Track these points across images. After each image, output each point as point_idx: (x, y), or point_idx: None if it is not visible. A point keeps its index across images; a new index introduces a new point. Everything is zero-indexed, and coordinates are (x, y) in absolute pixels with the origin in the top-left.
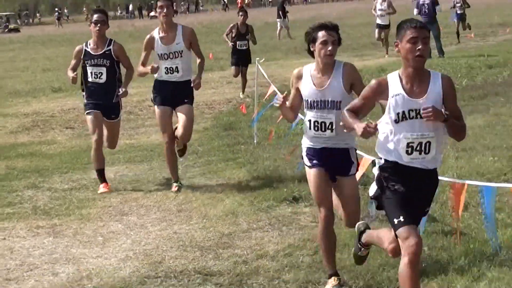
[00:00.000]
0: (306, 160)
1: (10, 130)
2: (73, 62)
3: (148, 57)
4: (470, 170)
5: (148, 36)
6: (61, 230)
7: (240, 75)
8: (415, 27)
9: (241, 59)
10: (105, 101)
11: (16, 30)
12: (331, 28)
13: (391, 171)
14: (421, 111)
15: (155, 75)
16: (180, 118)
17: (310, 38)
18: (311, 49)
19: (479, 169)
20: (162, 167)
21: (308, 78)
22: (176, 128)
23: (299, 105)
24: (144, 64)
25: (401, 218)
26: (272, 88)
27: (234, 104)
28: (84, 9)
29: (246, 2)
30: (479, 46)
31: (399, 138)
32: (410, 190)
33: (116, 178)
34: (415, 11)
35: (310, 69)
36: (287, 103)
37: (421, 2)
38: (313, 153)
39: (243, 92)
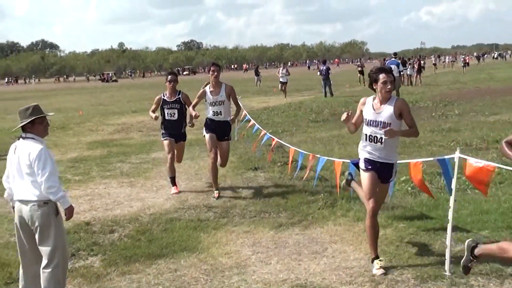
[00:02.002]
0: (362, 165)
1: (109, 132)
2: (154, 106)
3: (199, 102)
4: (345, 154)
5: (202, 90)
6: (134, 184)
7: None
8: None
9: None
10: (176, 131)
11: (115, 81)
12: (389, 72)
13: None
14: None
15: (207, 115)
16: (220, 150)
17: (373, 79)
18: (374, 87)
19: (350, 154)
20: (187, 154)
21: (370, 104)
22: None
23: (360, 123)
24: (194, 106)
25: None
26: (245, 112)
27: None
28: (142, 71)
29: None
30: (351, 91)
31: None
32: None
33: (162, 159)
34: (318, 73)
35: (372, 98)
36: (353, 119)
37: (321, 68)
38: (369, 162)
39: None
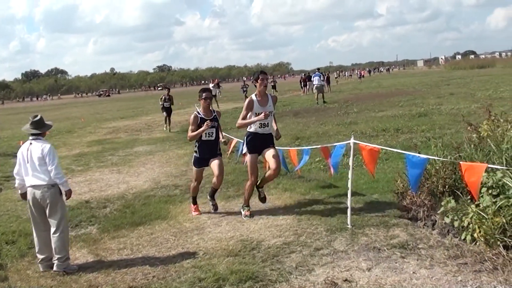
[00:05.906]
0: None
1: (103, 133)
2: (192, 127)
3: (247, 114)
4: (276, 143)
5: (248, 99)
6: (121, 171)
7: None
8: None
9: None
10: (213, 152)
11: (108, 95)
12: None
13: None
14: None
15: (250, 129)
16: (270, 154)
17: None
18: None
19: (279, 143)
20: (160, 147)
21: None
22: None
23: None
24: (244, 119)
25: None
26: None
27: None
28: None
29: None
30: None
31: None
32: None
33: (142, 152)
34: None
35: None
36: None
37: (269, 81)
38: None
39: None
